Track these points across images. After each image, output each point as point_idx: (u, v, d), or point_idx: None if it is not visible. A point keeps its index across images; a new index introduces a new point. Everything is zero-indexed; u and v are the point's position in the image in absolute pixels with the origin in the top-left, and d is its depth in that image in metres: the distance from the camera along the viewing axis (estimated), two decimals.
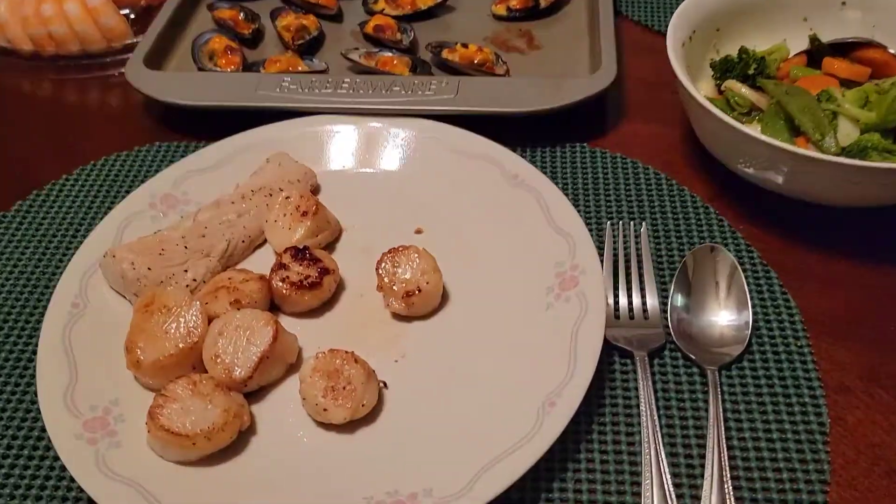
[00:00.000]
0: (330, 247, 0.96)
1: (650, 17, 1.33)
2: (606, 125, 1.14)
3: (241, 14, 1.29)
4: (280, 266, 0.88)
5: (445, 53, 1.19)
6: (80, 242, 0.93)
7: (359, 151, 1.05)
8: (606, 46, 1.14)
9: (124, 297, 0.88)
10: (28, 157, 1.14)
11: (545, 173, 0.98)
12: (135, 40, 1.27)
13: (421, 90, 1.09)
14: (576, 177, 1.05)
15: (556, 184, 0.97)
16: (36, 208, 1.04)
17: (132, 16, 1.33)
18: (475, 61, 1.16)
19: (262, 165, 1.02)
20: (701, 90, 1.09)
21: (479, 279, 0.90)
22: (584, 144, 1.10)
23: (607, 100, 1.15)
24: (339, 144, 1.06)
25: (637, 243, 0.94)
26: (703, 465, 0.74)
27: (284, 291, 0.86)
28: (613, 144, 1.10)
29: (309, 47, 1.24)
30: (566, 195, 0.95)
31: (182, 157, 1.10)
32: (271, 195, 0.98)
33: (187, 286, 0.88)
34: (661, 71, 1.20)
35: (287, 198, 0.94)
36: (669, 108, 1.16)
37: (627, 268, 0.91)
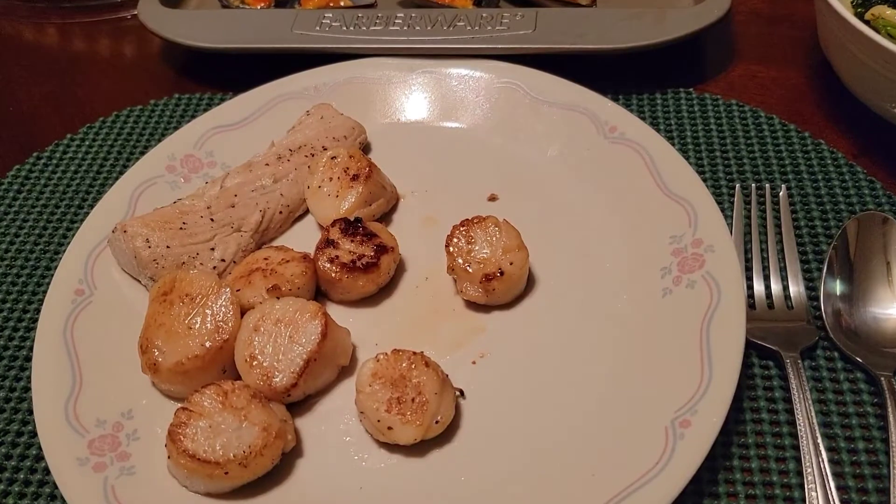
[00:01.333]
0: (386, 218, 0.80)
1: None
2: (714, 66, 0.95)
3: None
4: (327, 243, 0.72)
5: None
6: (87, 214, 0.79)
7: (417, 102, 0.89)
8: None
9: (139, 282, 0.73)
10: (28, 114, 0.99)
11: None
12: None
13: (491, 25, 0.91)
14: (682, 129, 0.87)
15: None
16: (36, 174, 0.90)
17: None
18: None
19: (301, 119, 0.86)
20: None
21: (571, 258, 0.74)
22: (690, 90, 0.92)
23: (714, 35, 0.97)
24: (393, 93, 0.89)
25: (775, 211, 0.76)
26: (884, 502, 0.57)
27: (333, 275, 0.70)
28: (725, 89, 0.92)
29: None
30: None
31: (206, 111, 0.95)
32: (313, 155, 0.82)
33: (214, 268, 0.73)
34: (776, 1, 1.02)
35: (333, 158, 0.78)
36: (791, 45, 0.97)
37: (762, 243, 0.74)
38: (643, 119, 0.87)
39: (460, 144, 0.85)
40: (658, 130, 0.86)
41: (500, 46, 0.89)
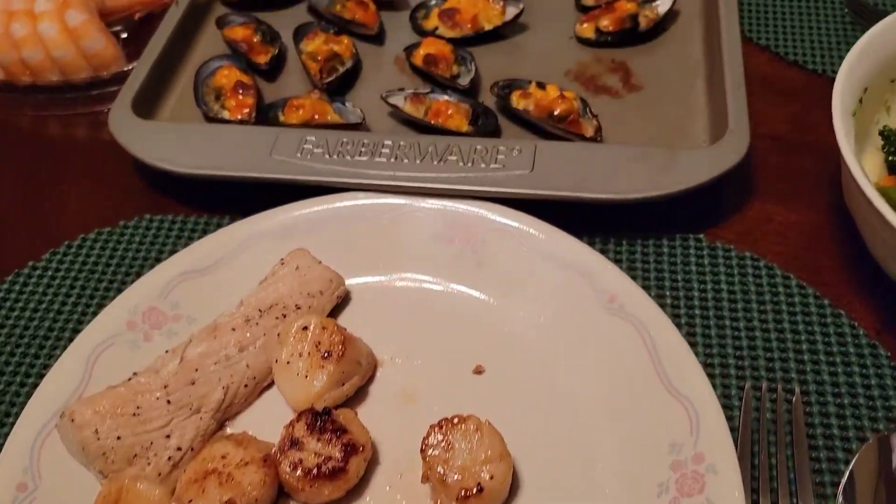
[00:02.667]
0: (361, 390, 0.74)
1: (781, 40, 1.05)
2: (729, 204, 0.88)
3: (258, 34, 1.05)
4: (291, 443, 0.66)
5: (516, 99, 0.94)
6: (40, 377, 0.73)
7: (402, 247, 0.83)
8: (734, 98, 0.87)
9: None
10: None
11: (647, 280, 0.75)
12: (128, 67, 1.05)
13: (485, 162, 0.84)
14: (690, 288, 0.80)
15: (664, 301, 0.73)
16: None
17: (124, 35, 1.10)
18: (556, 112, 0.91)
19: (274, 270, 0.80)
20: (866, 164, 0.83)
21: (560, 460, 0.68)
22: (700, 237, 0.85)
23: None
24: (376, 236, 0.83)
25: (787, 412, 0.70)
26: None
27: (296, 483, 0.64)
28: (739, 235, 0.85)
29: (341, 83, 1.00)
30: (679, 322, 0.71)
31: (177, 236, 0.89)
32: (285, 316, 0.76)
33: (170, 458, 0.68)
34: (798, 123, 0.95)
35: (304, 328, 0.73)
36: (813, 182, 0.90)
37: (771, 456, 0.67)
38: (645, 272, 0.81)
39: (447, 300, 0.79)
40: (663, 291, 0.80)
41: (493, 190, 0.82)
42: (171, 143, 0.90)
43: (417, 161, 0.85)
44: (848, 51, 1.00)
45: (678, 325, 0.77)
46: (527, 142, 0.86)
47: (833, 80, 0.98)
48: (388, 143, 0.87)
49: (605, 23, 1.02)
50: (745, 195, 0.88)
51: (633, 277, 0.81)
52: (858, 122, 0.81)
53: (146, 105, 0.97)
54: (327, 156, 0.87)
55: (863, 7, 1.01)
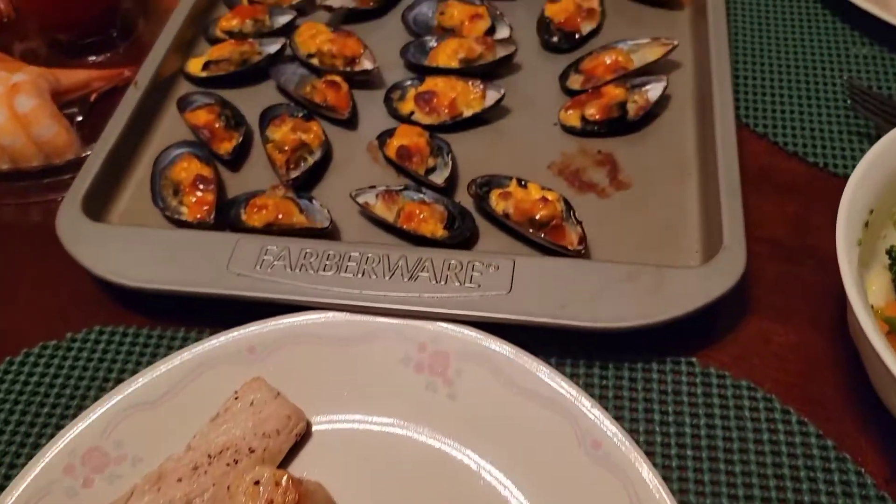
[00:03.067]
0: None
1: (780, 128, 0.98)
2: (724, 322, 0.82)
3: (222, 119, 0.98)
4: None
5: (495, 200, 0.88)
6: None
7: (367, 376, 0.76)
8: (729, 209, 0.81)
9: None
10: None
11: (635, 413, 0.70)
12: (83, 153, 0.98)
13: (459, 280, 0.78)
14: (681, 423, 0.74)
15: (653, 438, 0.68)
16: None
17: (79, 118, 1.04)
18: (537, 217, 0.85)
19: (228, 406, 0.73)
20: (871, 286, 0.77)
21: None
22: (692, 360, 0.79)
23: None
24: (340, 362, 0.77)
25: None
26: None
27: None
28: (734, 359, 0.79)
29: (309, 176, 0.93)
30: (669, 464, 0.66)
31: (128, 352, 0.83)
32: (237, 462, 0.70)
33: None
34: (799, 225, 0.90)
35: (256, 483, 0.66)
36: (815, 296, 0.83)
37: None
38: (633, 401, 0.75)
39: (415, 443, 0.72)
40: (652, 422, 0.74)
41: (468, 314, 0.76)
42: (122, 250, 0.84)
43: (386, 277, 0.79)
44: (849, 142, 0.96)
45: (668, 468, 0.71)
46: (505, 259, 0.80)
47: (835, 175, 0.94)
48: (356, 254, 0.81)
49: (592, 111, 0.96)
50: (740, 311, 0.82)
51: (620, 408, 0.75)
52: (864, 239, 0.75)
53: (99, 202, 0.91)
54: (289, 269, 0.80)
55: (864, 95, 0.95)
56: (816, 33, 1.09)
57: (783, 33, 1.09)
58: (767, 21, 1.11)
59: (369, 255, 0.81)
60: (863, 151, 0.94)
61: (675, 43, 1.00)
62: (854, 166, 0.93)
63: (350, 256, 0.81)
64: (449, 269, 0.79)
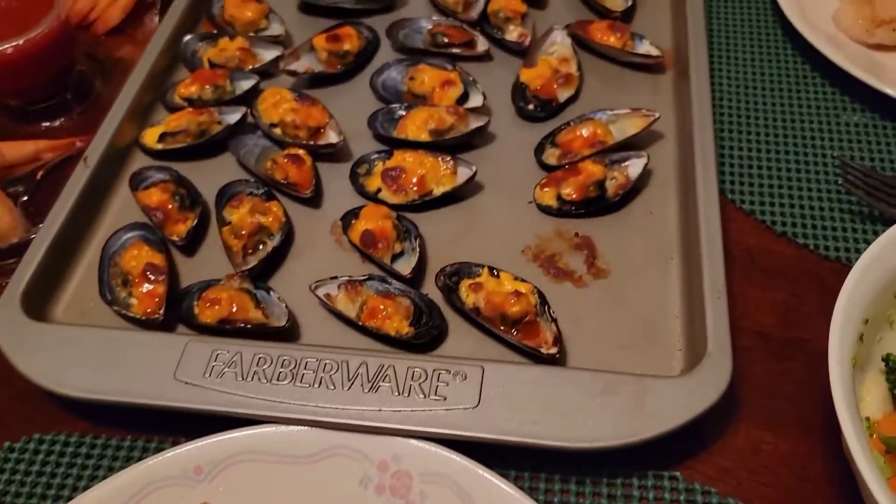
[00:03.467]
0: None
1: (767, 206, 0.93)
2: (709, 429, 0.76)
3: (176, 199, 0.92)
4: None
5: (465, 291, 0.83)
6: None
7: (323, 498, 0.70)
8: (714, 312, 0.76)
9: None
10: None
11: None
12: (30, 236, 0.92)
13: (423, 391, 0.73)
14: None
15: None
16: None
17: (25, 196, 0.98)
18: (509, 313, 0.79)
19: None
20: (866, 396, 0.72)
21: None
22: (676, 475, 0.73)
23: None
24: (294, 481, 0.71)
25: None
26: None
27: None
28: (720, 473, 0.74)
29: (268, 264, 0.88)
30: None
31: (69, 464, 0.77)
32: None
33: None
34: (788, 315, 0.85)
35: None
36: (805, 396, 0.79)
37: None
38: None
39: None
40: None
41: (431, 430, 0.70)
42: (63, 354, 0.78)
43: (345, 388, 0.73)
44: (841, 222, 0.91)
45: None
46: (473, 366, 0.74)
47: (826, 258, 0.89)
48: (313, 361, 0.75)
49: (569, 190, 0.90)
50: (727, 418, 0.77)
51: None
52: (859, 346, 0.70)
53: (41, 296, 0.85)
54: (240, 378, 0.75)
55: (857, 173, 0.90)
56: (805, 98, 1.04)
57: (770, 97, 1.04)
58: (754, 85, 1.06)
59: (327, 361, 0.75)
60: (855, 232, 0.90)
61: (657, 115, 0.95)
62: (845, 248, 0.89)
63: (307, 363, 0.75)
64: (413, 378, 0.73)
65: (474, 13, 1.12)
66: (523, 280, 0.83)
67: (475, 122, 0.98)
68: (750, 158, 0.98)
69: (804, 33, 1.04)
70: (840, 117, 1.01)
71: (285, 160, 0.96)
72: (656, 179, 0.94)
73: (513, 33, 1.11)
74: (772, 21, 1.14)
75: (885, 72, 1.02)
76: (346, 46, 1.08)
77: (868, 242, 0.88)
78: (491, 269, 0.84)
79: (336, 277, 0.85)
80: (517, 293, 0.81)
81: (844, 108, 1.02)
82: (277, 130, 1.00)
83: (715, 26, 1.13)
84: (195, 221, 0.91)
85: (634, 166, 0.92)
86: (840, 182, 0.89)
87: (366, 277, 0.85)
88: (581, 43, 1.09)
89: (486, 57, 1.10)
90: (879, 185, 0.90)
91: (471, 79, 1.03)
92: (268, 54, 1.11)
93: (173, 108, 1.05)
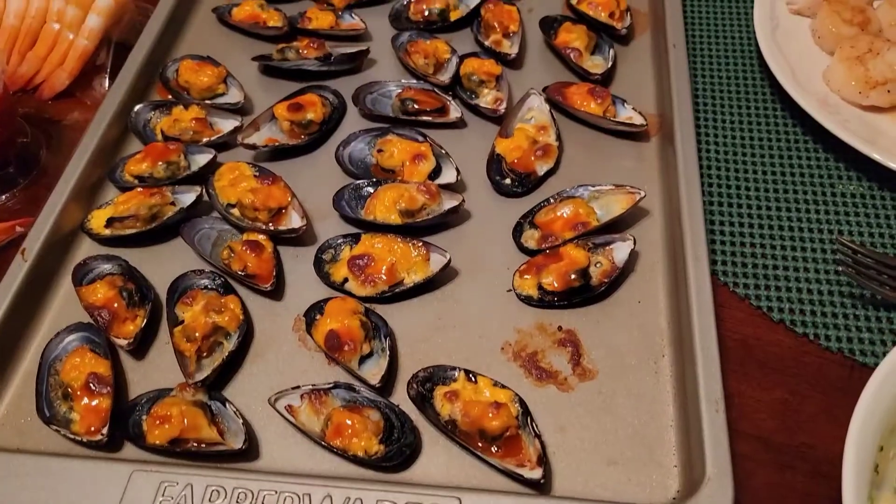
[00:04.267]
0: None
1: (763, 291, 0.87)
2: None
3: (124, 296, 0.85)
4: None
5: (440, 401, 0.76)
6: None
7: None
8: (711, 426, 0.70)
9: None
10: None
11: None
12: None
13: None
14: None
15: None
16: None
17: None
18: (488, 428, 0.72)
19: None
20: None
21: None
22: None
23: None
24: None
25: None
26: None
27: None
28: None
29: (224, 368, 0.81)
30: None
31: None
32: None
33: None
34: (788, 416, 0.80)
35: None
36: None
37: None
38: None
39: None
40: None
41: None
42: None
43: None
44: (842, 307, 0.86)
45: None
46: (449, 498, 0.67)
47: (827, 349, 0.83)
48: (271, 495, 0.68)
49: (550, 279, 0.84)
50: None
51: None
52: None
53: None
54: None
55: (856, 254, 0.85)
56: (798, 166, 0.98)
57: (761, 165, 0.98)
58: (743, 151, 1.00)
59: (287, 494, 0.68)
60: (857, 320, 0.85)
61: (642, 194, 0.89)
62: (847, 339, 0.84)
63: (264, 498, 0.68)
64: None
65: (446, 76, 1.06)
66: (503, 386, 0.76)
67: (448, 202, 0.92)
68: (742, 235, 0.92)
69: (796, 97, 0.98)
70: (835, 187, 0.96)
71: (243, 248, 0.88)
72: (643, 263, 0.88)
73: (487, 97, 1.05)
74: (760, 81, 1.08)
75: (880, 137, 0.97)
76: (310, 115, 1.02)
77: (871, 332, 0.83)
78: (468, 372, 0.78)
79: (298, 387, 0.78)
80: (497, 405, 0.74)
81: (840, 177, 0.97)
82: (235, 211, 0.93)
83: (700, 86, 1.08)
84: (145, 320, 0.84)
85: (620, 250, 0.86)
86: (840, 269, 0.84)
87: (331, 385, 0.78)
88: (560, 108, 1.03)
89: (459, 124, 1.04)
90: (882, 269, 0.84)
91: (443, 152, 0.97)
92: (226, 124, 1.04)
93: (123, 187, 0.98)
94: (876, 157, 0.91)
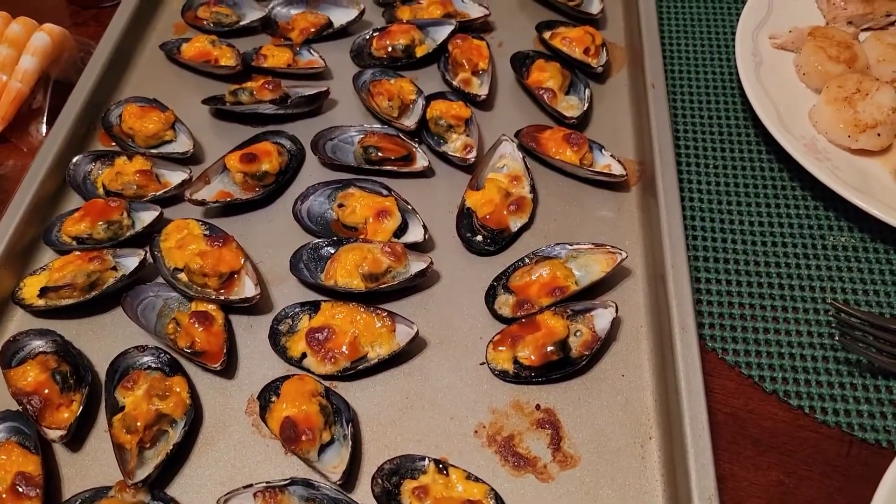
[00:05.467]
0: None
1: (754, 359, 0.81)
2: None
3: (56, 379, 0.77)
4: None
5: (408, 498, 0.69)
6: None
7: None
8: None
9: None
10: None
11: None
12: None
13: None
14: None
15: None
16: None
17: None
18: None
19: None
20: None
21: None
22: None
23: None
24: None
25: None
26: None
27: None
28: None
29: (169, 462, 0.73)
30: None
31: None
32: None
33: None
34: (787, 499, 0.73)
35: None
36: None
37: None
38: None
39: None
40: None
41: None
42: None
43: None
44: (838, 376, 0.81)
45: None
46: None
47: (823, 423, 0.78)
48: None
49: (526, 352, 0.77)
50: None
51: None
52: None
53: None
54: None
55: (853, 319, 0.79)
56: (787, 215, 0.93)
57: (748, 215, 0.93)
58: (728, 199, 0.94)
59: None
60: (854, 390, 0.80)
61: (623, 256, 0.83)
62: (845, 411, 0.79)
63: None
64: None
65: (411, 121, 0.99)
66: (477, 479, 0.70)
67: (415, 264, 0.85)
68: (730, 294, 0.86)
69: (783, 143, 0.92)
70: (826, 239, 0.90)
71: (191, 321, 0.81)
72: (626, 330, 0.82)
73: (456, 142, 0.98)
74: (743, 120, 1.03)
75: (871, 183, 0.91)
76: (265, 167, 0.94)
77: (870, 403, 0.77)
78: (438, 463, 0.71)
79: (251, 485, 0.70)
80: (469, 502, 0.67)
81: (830, 227, 0.91)
82: (183, 276, 0.85)
83: (681, 127, 1.02)
84: (81, 407, 0.76)
85: (601, 318, 0.80)
86: (836, 338, 0.78)
87: (287, 482, 0.70)
88: (534, 154, 0.97)
89: (427, 172, 0.97)
90: (879, 333, 0.79)
91: (409, 207, 0.90)
92: (173, 177, 0.96)
93: (60, 250, 0.89)
94: (870, 210, 0.86)
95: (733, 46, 1.09)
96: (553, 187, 0.95)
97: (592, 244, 0.85)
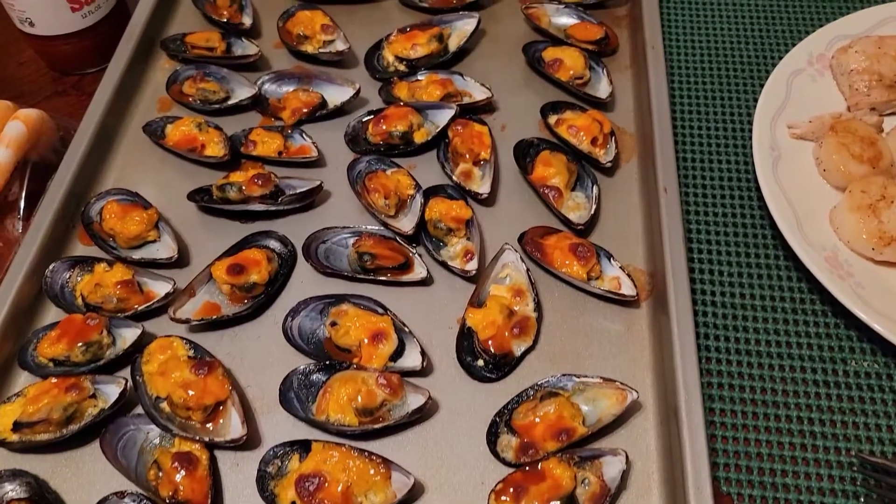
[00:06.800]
0: None
1: (769, 499, 0.77)
2: None
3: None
4: None
5: None
6: None
7: None
8: None
9: None
10: None
11: None
12: None
13: None
14: None
15: None
16: None
17: None
18: None
19: None
20: None
21: None
22: None
23: None
24: None
25: None
26: None
27: None
28: None
29: None
30: None
31: None
32: None
33: None
34: None
35: None
36: None
37: None
38: None
39: None
40: None
41: None
42: None
43: None
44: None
45: None
46: None
47: None
48: None
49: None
50: None
51: None
52: None
53: None
54: None
55: (880, 469, 0.74)
56: (805, 334, 0.87)
57: (765, 334, 0.87)
58: (745, 316, 0.89)
59: None
60: None
61: (634, 396, 0.78)
62: None
63: None
64: None
65: (409, 225, 0.93)
66: None
67: (413, 397, 0.80)
68: (746, 429, 0.81)
69: (803, 257, 0.87)
70: (848, 363, 0.85)
71: (173, 465, 0.76)
72: (637, 476, 0.77)
73: (456, 246, 0.93)
74: (759, 221, 0.97)
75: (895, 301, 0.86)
76: (253, 277, 0.89)
77: None
78: None
79: None
80: None
81: (852, 349, 0.86)
82: (165, 406, 0.80)
83: (694, 230, 0.96)
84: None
85: (610, 466, 0.75)
86: (862, 499, 0.73)
87: None
88: (538, 264, 0.91)
89: (426, 280, 0.91)
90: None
91: (406, 329, 0.85)
92: (157, 286, 0.90)
93: (37, 373, 0.84)
94: (893, 340, 0.81)
95: (749, 131, 1.03)
96: (558, 301, 0.89)
97: (601, 378, 0.80)
